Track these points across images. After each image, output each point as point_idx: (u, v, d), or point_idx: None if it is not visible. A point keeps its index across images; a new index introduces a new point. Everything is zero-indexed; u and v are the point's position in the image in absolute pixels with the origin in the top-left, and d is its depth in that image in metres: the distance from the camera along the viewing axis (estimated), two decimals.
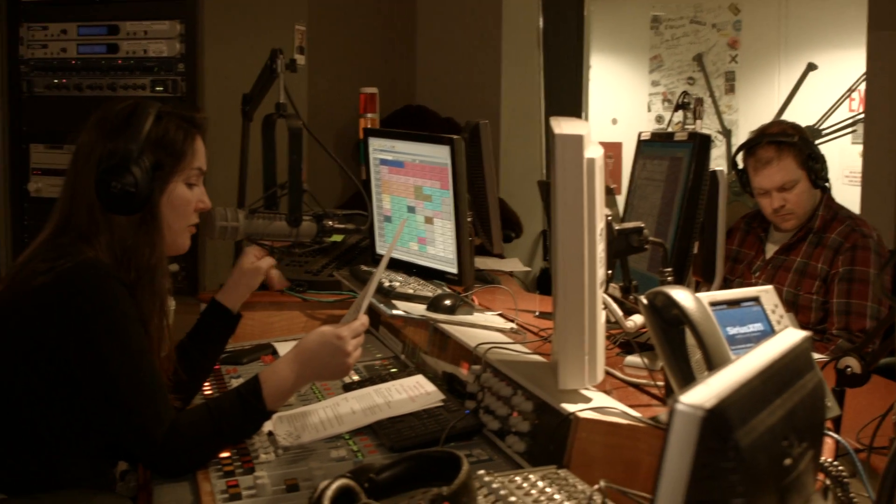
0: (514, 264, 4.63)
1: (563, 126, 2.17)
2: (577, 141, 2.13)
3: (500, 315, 3.30)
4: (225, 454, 2.52)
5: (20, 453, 2.50)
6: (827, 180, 4.01)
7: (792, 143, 3.98)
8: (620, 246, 2.48)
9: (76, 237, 2.57)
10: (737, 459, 1.12)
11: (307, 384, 2.80)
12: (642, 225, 2.50)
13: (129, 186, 2.54)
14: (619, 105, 7.47)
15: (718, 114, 7.19)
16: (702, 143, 2.78)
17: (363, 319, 2.63)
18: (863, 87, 6.12)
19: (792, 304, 3.85)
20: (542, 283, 6.02)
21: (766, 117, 6.14)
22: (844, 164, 6.76)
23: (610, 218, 2.41)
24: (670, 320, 2.06)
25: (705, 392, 1.12)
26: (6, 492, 2.50)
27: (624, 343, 2.90)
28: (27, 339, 2.47)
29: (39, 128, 4.59)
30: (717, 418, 1.10)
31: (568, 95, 6.82)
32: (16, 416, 2.50)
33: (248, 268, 3.08)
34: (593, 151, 2.19)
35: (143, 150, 2.58)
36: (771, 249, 4.15)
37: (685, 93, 4.88)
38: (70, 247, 2.53)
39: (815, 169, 3.96)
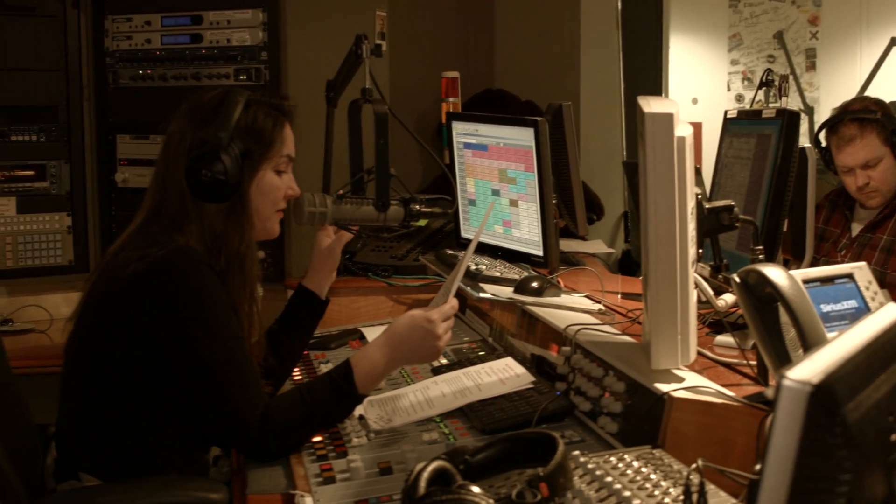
0: (597, 246, 4.61)
1: (652, 105, 2.16)
2: (668, 119, 2.13)
3: (587, 297, 3.29)
4: (317, 438, 2.54)
5: (114, 440, 2.54)
6: None
7: (875, 119, 3.92)
8: (711, 224, 2.46)
9: (167, 225, 2.60)
10: (844, 435, 1.11)
11: (398, 368, 2.81)
12: (732, 203, 2.48)
13: (219, 174, 2.56)
14: (699, 85, 7.39)
15: (800, 91, 7.10)
16: (791, 120, 2.75)
17: (453, 303, 2.63)
18: None
19: (879, 283, 3.81)
20: (624, 265, 5.99)
21: (849, 94, 6.05)
22: None
23: (700, 196, 2.40)
24: (764, 298, 2.05)
25: (811, 368, 1.11)
26: (101, 478, 2.54)
27: (713, 323, 2.88)
28: (120, 327, 2.50)
29: (125, 119, 4.63)
30: (824, 394, 1.09)
31: (647, 76, 6.77)
32: (110, 403, 2.54)
33: (324, 249, 3.10)
34: (683, 130, 2.17)
35: (233, 138, 2.60)
36: (856, 227, 4.10)
37: (769, 70, 4.82)
38: (161, 235, 2.56)
39: None
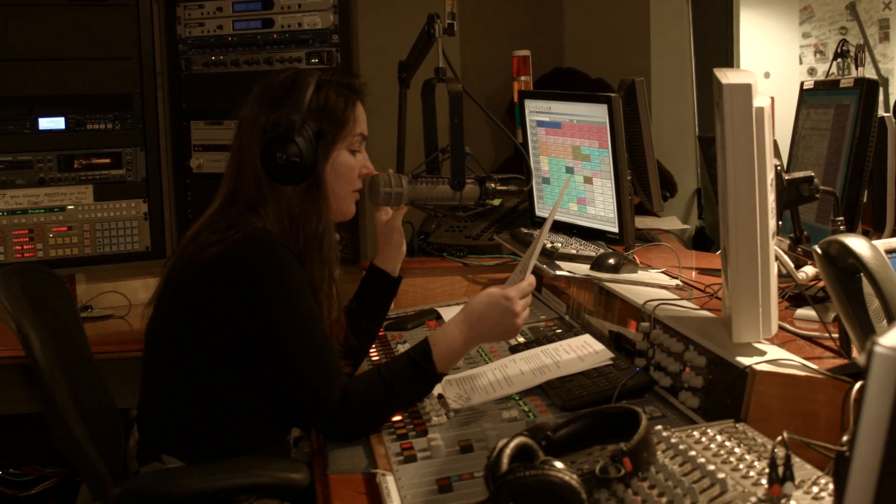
0: (672, 223, 4.59)
1: (730, 76, 2.14)
2: (746, 90, 2.11)
3: (663, 272, 3.27)
4: (397, 418, 2.55)
5: (196, 422, 2.57)
6: None
7: None
8: (791, 196, 2.45)
9: (244, 208, 2.62)
10: None
11: (476, 346, 2.80)
12: (812, 174, 2.46)
13: (294, 156, 2.58)
14: (770, 59, 7.31)
15: (874, 62, 7.01)
16: (869, 89, 2.72)
17: (530, 279, 2.63)
18: None
19: None
20: (699, 242, 5.95)
21: None
22: None
23: (779, 168, 2.38)
24: (846, 269, 2.03)
25: None
26: (184, 459, 2.56)
27: (794, 296, 2.86)
28: (200, 310, 2.53)
29: (199, 105, 4.67)
30: None
31: (718, 51, 6.71)
32: (191, 386, 2.57)
33: (384, 226, 3.10)
34: (761, 100, 2.15)
35: (306, 119, 2.62)
36: None
37: (844, 41, 4.75)
38: (239, 218, 2.58)
39: None
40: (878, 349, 1.07)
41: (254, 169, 2.63)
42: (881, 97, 6.95)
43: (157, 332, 2.67)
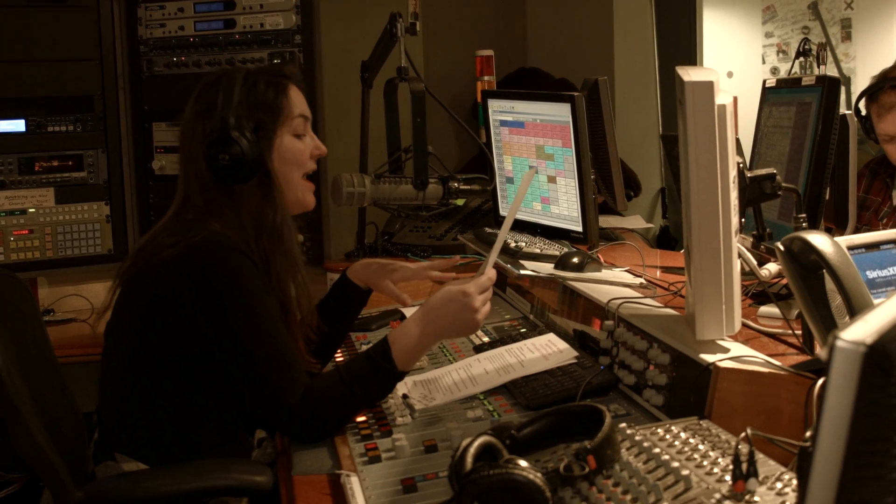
0: (636, 221, 4.61)
1: (692, 74, 2.15)
2: (708, 87, 2.11)
3: (627, 271, 3.28)
4: (361, 418, 2.55)
5: (156, 424, 2.56)
6: None
7: None
8: (753, 193, 2.45)
9: (199, 213, 2.62)
10: None
11: (436, 342, 2.79)
12: (774, 171, 2.47)
13: (237, 154, 2.59)
14: (733, 58, 7.35)
15: (836, 62, 7.06)
16: (831, 86, 2.74)
17: (490, 274, 2.62)
18: None
19: None
20: (663, 241, 5.98)
21: (885, 63, 5.98)
22: None
23: (741, 165, 2.39)
24: (808, 266, 2.04)
25: (865, 328, 1.09)
26: (144, 461, 2.55)
27: (757, 294, 2.87)
28: (158, 313, 2.52)
29: (161, 106, 4.67)
30: (878, 354, 1.07)
31: (682, 51, 6.74)
32: (151, 388, 2.56)
33: (383, 287, 3.10)
34: (723, 98, 2.16)
35: (240, 115, 2.62)
36: None
37: (806, 39, 4.78)
38: (196, 222, 2.58)
39: None
40: (839, 344, 1.08)
41: (200, 174, 2.63)
42: (843, 96, 7.00)
43: (116, 335, 2.66)
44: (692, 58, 6.84)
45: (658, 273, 3.32)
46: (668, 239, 5.92)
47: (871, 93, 4.01)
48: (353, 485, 2.15)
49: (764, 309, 2.72)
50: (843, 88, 7.07)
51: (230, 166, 2.58)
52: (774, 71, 7.20)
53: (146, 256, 2.56)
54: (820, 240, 1.99)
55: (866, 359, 1.07)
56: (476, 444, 1.83)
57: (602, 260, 3.42)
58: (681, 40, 6.81)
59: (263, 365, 2.48)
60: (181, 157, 2.71)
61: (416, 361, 2.67)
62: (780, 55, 7.21)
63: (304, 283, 2.74)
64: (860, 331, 1.09)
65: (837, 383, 1.08)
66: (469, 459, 1.79)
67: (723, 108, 2.13)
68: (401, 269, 3.08)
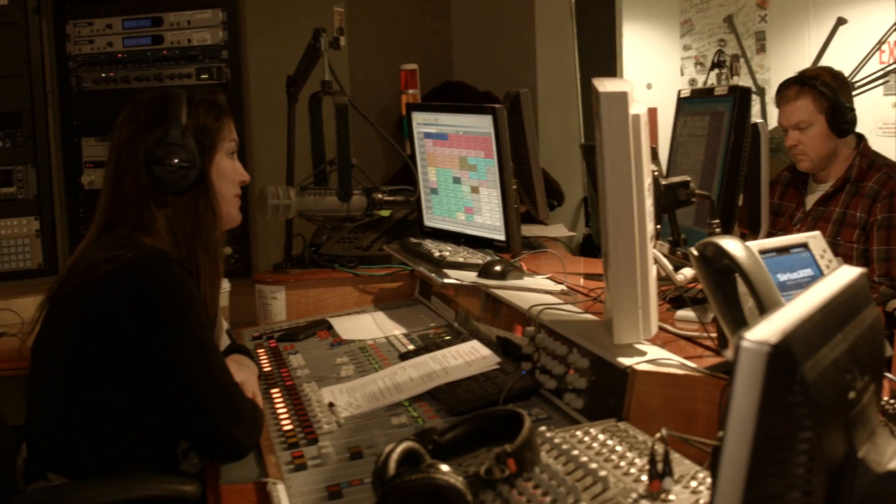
0: (558, 230, 4.64)
1: (607, 84, 2.20)
2: (622, 97, 2.16)
3: (549, 278, 3.32)
4: (288, 427, 2.57)
5: (85, 438, 2.55)
6: (849, 132, 4.04)
7: (812, 85, 4.03)
8: (668, 200, 2.50)
9: (132, 228, 2.63)
10: (803, 393, 1.13)
11: None
12: (688, 178, 2.52)
13: (184, 162, 2.61)
14: (653, 71, 7.44)
15: (751, 73, 7.15)
16: (743, 96, 2.79)
17: None
18: (893, 38, 6.07)
19: (833, 255, 3.87)
20: (586, 249, 6.03)
21: None
22: (878, 115, 6.70)
23: (656, 173, 2.44)
24: (721, 270, 2.08)
25: (769, 328, 1.12)
26: (68, 476, 2.55)
27: (674, 299, 2.92)
28: (93, 330, 2.51)
29: (90, 122, 4.66)
30: (782, 353, 1.11)
31: (602, 63, 6.80)
32: (80, 403, 2.55)
33: None
34: (637, 108, 2.21)
35: (185, 130, 2.66)
36: (810, 201, 4.19)
37: (720, 51, 4.86)
38: (128, 238, 2.59)
39: (835, 117, 3.99)
40: (744, 344, 1.11)
41: (138, 187, 2.64)
42: (759, 107, 7.10)
43: (51, 351, 2.64)
44: (613, 70, 6.92)
45: (582, 280, 3.36)
46: (591, 247, 5.98)
47: (781, 85, 4.17)
48: (280, 492, 2.16)
49: (681, 313, 2.76)
50: (757, 99, 7.20)
51: (174, 175, 2.62)
52: (692, 82, 7.29)
53: (80, 273, 2.56)
54: (732, 244, 2.04)
55: (770, 358, 1.10)
56: (399, 449, 1.86)
57: (525, 268, 3.46)
58: (601, 53, 6.89)
59: (200, 386, 2.52)
60: (113, 172, 2.71)
61: None
62: (698, 67, 7.30)
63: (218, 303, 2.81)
64: (765, 331, 1.12)
65: (743, 382, 1.11)
66: (392, 465, 1.82)
67: (637, 117, 2.18)
68: None
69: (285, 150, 4.02)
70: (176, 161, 2.61)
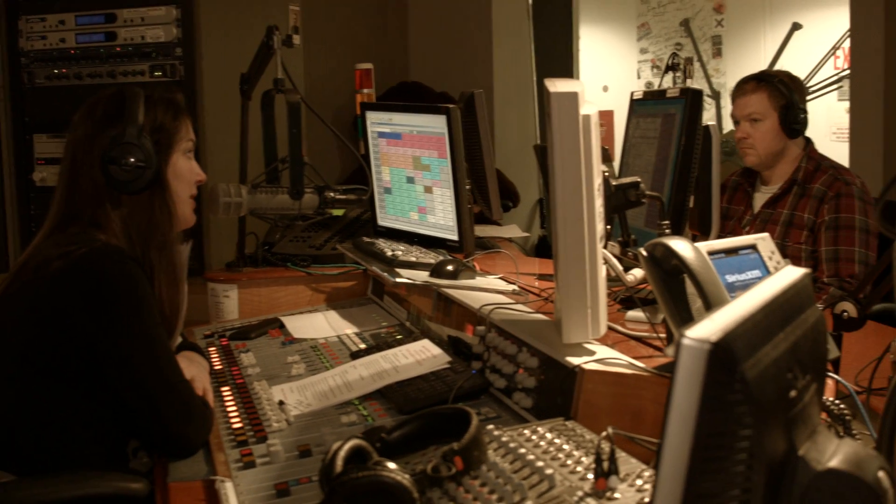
0: (512, 231, 4.66)
1: (558, 85, 2.20)
2: (573, 98, 2.17)
3: (501, 278, 3.33)
4: (238, 425, 2.56)
5: (29, 434, 2.52)
6: (799, 133, 4.08)
7: (770, 81, 4.09)
8: (618, 201, 2.51)
9: (86, 225, 2.61)
10: (744, 391, 1.12)
11: None
12: (639, 179, 2.53)
13: (140, 161, 2.60)
14: (610, 73, 7.49)
15: (707, 77, 7.22)
16: (694, 98, 2.81)
17: None
18: (847, 44, 6.15)
19: (781, 255, 3.89)
20: (541, 250, 6.05)
21: None
22: (831, 120, 6.78)
23: (607, 174, 2.44)
24: (670, 270, 2.09)
25: (710, 326, 1.12)
26: (15, 473, 2.53)
27: (624, 300, 2.93)
28: (44, 326, 2.49)
29: (42, 118, 4.64)
30: (723, 351, 1.10)
31: (559, 66, 6.84)
32: (29, 399, 2.53)
33: None
34: (588, 108, 2.22)
35: (143, 128, 2.64)
36: (758, 203, 4.23)
37: (674, 54, 4.89)
38: (81, 234, 2.57)
39: (788, 116, 4.04)
40: (685, 342, 1.10)
41: (94, 185, 2.62)
42: (714, 110, 7.15)
43: None
44: (570, 72, 6.95)
45: (536, 281, 3.38)
46: (546, 248, 5.99)
47: (739, 81, 4.22)
48: (228, 490, 2.16)
49: (631, 313, 2.78)
50: (713, 103, 7.25)
51: (130, 174, 2.60)
52: (649, 85, 7.34)
53: (32, 269, 2.54)
54: (681, 245, 2.05)
55: (711, 356, 1.10)
56: (346, 447, 1.85)
57: (478, 268, 3.47)
58: (558, 55, 6.92)
59: (152, 384, 2.49)
60: (68, 168, 2.69)
61: None
62: (655, 70, 7.35)
63: (184, 294, 2.77)
64: (706, 329, 1.12)
65: (684, 379, 1.11)
66: (339, 462, 1.81)
67: (587, 118, 2.18)
68: None
69: (237, 147, 4.02)
70: (132, 160, 2.59)
